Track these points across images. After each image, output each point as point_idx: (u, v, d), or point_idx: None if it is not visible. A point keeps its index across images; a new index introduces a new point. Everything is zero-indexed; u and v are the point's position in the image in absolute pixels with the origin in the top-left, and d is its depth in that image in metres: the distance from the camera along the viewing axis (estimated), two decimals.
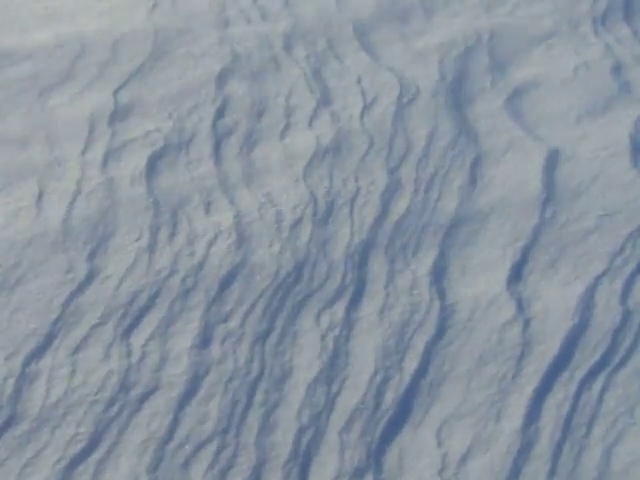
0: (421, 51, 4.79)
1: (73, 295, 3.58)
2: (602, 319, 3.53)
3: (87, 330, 3.46)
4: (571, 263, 3.74)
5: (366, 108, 4.48)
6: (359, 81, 4.64)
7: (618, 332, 3.49)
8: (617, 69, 4.69)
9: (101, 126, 4.39)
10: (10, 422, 3.16)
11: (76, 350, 3.39)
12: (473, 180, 4.13)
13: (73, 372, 3.31)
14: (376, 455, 3.12)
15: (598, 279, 3.67)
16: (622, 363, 3.39)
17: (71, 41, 4.88)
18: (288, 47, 4.85)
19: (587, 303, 3.59)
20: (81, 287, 3.61)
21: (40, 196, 4.03)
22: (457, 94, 4.57)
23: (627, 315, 3.55)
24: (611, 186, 4.10)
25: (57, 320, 3.49)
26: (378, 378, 3.32)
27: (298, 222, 3.90)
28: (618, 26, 4.95)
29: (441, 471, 3.08)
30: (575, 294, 3.61)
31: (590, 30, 4.91)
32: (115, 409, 3.20)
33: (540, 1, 5.09)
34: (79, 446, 3.11)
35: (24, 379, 3.30)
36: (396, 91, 4.57)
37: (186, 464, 3.08)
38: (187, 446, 3.12)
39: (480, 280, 3.67)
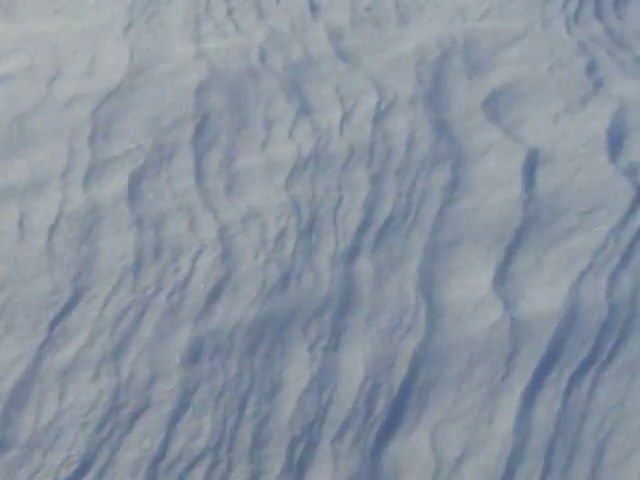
0: (397, 57, 4.81)
1: (59, 317, 3.57)
2: (589, 315, 3.55)
3: (75, 351, 3.45)
4: (555, 261, 3.76)
5: (345, 116, 4.49)
6: (337, 89, 4.66)
7: (605, 327, 3.51)
8: (591, 66, 4.72)
9: (81, 146, 4.39)
10: (1, 448, 3.15)
11: (65, 372, 3.38)
12: (454, 183, 4.14)
13: (63, 394, 3.30)
14: (370, 462, 3.12)
15: (583, 275, 3.69)
16: (610, 358, 3.41)
17: (47, 63, 4.88)
18: (264, 58, 4.86)
19: (573, 300, 3.61)
20: (67, 308, 3.60)
21: (22, 219, 4.02)
22: (435, 98, 4.59)
23: (613, 310, 3.57)
24: (591, 183, 4.13)
25: (44, 343, 3.48)
26: (368, 385, 3.32)
27: (282, 233, 3.91)
28: (590, 23, 4.98)
29: (435, 475, 3.08)
30: (561, 291, 3.63)
31: (563, 29, 4.95)
32: (106, 429, 3.19)
33: (512, 2, 5.13)
34: (72, 468, 3.09)
35: (13, 404, 3.28)
36: (374, 98, 4.58)
37: None
38: (180, 463, 3.11)
39: (466, 282, 3.69)
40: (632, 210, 3.97)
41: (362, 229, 3.92)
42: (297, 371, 3.37)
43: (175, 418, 3.23)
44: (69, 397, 3.29)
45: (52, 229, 3.95)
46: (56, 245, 3.88)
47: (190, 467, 3.10)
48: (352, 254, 3.82)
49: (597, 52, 4.80)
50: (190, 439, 3.17)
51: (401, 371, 3.36)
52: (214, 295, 3.65)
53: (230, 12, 5.17)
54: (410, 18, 5.07)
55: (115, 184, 4.19)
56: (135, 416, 3.23)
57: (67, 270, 3.76)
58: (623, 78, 4.63)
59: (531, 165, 4.22)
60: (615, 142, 4.32)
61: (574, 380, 3.33)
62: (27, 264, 3.80)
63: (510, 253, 3.80)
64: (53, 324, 3.55)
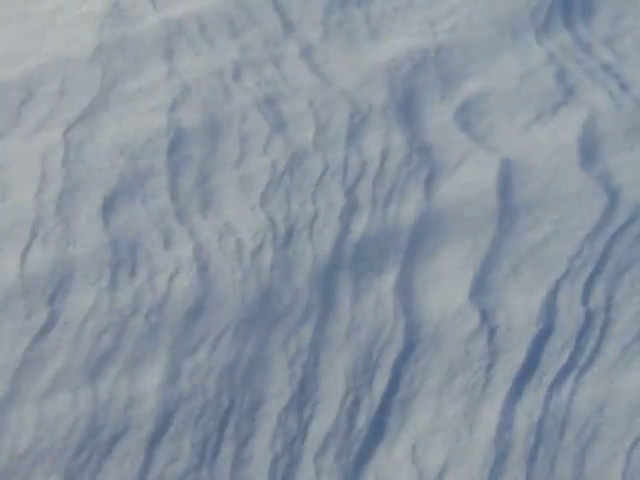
0: (369, 70, 4.83)
1: (35, 341, 3.54)
2: (566, 322, 3.57)
3: (52, 376, 3.41)
4: (531, 269, 3.78)
5: (319, 130, 4.50)
6: (310, 104, 4.67)
7: (582, 334, 3.53)
8: (561, 75, 4.77)
9: (54, 167, 4.36)
10: None
11: (42, 397, 3.34)
12: (429, 194, 4.16)
13: (40, 420, 3.26)
14: (352, 478, 3.11)
15: (559, 283, 3.71)
16: (588, 364, 3.42)
17: (18, 84, 4.85)
18: (238, 75, 4.86)
19: (550, 307, 3.62)
20: (43, 332, 3.57)
21: None
22: (407, 110, 4.61)
23: (590, 316, 3.59)
24: (564, 190, 4.16)
25: (21, 368, 3.44)
26: (349, 400, 3.32)
27: (259, 249, 3.90)
28: (559, 33, 5.03)
29: None
30: (538, 299, 3.65)
31: (532, 38, 4.99)
32: (85, 455, 3.15)
33: (481, 13, 5.17)
34: None
35: None
36: (347, 111, 4.60)
37: None
38: None
39: (443, 293, 3.69)
40: (605, 216, 4.00)
41: (339, 243, 3.92)
42: (277, 388, 3.36)
43: (154, 440, 3.20)
44: (47, 423, 3.25)
45: (26, 252, 3.92)
46: (30, 268, 3.85)
47: None
48: (329, 268, 3.81)
49: (566, 61, 4.84)
50: (170, 461, 3.14)
51: (381, 385, 3.35)
52: (192, 314, 3.63)
53: (203, 29, 5.17)
54: (381, 31, 5.09)
55: (89, 204, 4.16)
56: (114, 440, 3.19)
57: (42, 293, 3.73)
58: (593, 86, 4.68)
59: (505, 175, 4.25)
60: (587, 150, 4.36)
61: (554, 387, 3.35)
62: (1, 288, 3.76)
63: (486, 263, 3.82)
64: (29, 349, 3.51)
